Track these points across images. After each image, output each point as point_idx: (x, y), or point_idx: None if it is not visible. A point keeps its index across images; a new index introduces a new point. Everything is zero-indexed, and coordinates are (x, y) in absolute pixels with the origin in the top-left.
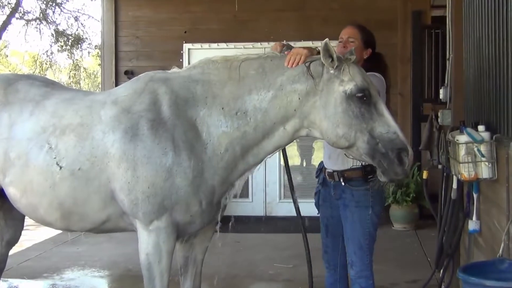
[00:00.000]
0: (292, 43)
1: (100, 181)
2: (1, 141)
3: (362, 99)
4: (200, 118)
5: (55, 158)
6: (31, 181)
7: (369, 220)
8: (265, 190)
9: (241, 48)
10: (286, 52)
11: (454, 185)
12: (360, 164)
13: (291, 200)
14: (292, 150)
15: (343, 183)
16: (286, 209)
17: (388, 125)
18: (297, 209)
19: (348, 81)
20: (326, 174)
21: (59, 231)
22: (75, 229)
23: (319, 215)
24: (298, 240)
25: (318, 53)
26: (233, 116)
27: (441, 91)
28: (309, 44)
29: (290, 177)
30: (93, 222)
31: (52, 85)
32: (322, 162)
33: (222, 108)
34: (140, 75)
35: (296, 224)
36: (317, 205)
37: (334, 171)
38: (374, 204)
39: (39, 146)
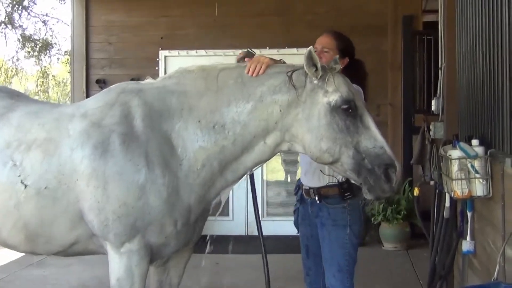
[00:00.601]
0: (275, 50)
1: (68, 200)
2: None
3: (347, 111)
4: (175, 132)
5: (19, 175)
6: None
7: (347, 240)
8: (247, 208)
9: (221, 55)
10: (246, 59)
11: (447, 203)
12: (336, 180)
13: (275, 218)
14: (276, 164)
15: (318, 201)
16: (269, 228)
17: (374, 139)
18: (259, 227)
19: (333, 92)
20: (304, 191)
21: None
22: (41, 252)
23: (298, 234)
24: (282, 260)
25: (284, 63)
26: (211, 130)
27: (433, 102)
28: (293, 51)
29: (254, 191)
30: (61, 245)
31: (17, 97)
32: (300, 178)
33: (199, 121)
34: (112, 86)
35: (282, 243)
36: (296, 223)
37: (310, 188)
38: (352, 222)
39: (2, 162)
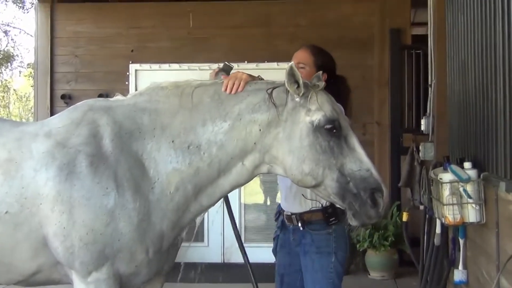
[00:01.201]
0: (254, 64)
1: (31, 226)
2: None
3: (331, 131)
4: (147, 153)
5: None
6: None
7: (332, 268)
8: (223, 233)
9: (196, 69)
10: (222, 76)
11: (438, 229)
12: (320, 205)
13: (253, 245)
14: (255, 187)
15: (301, 227)
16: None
17: (360, 161)
18: (245, 257)
19: (316, 110)
20: (285, 217)
21: None
22: (0, 282)
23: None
24: None
25: (262, 79)
26: (185, 151)
27: (422, 121)
28: (274, 65)
29: (232, 215)
30: (22, 274)
31: None
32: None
33: (172, 141)
34: (78, 103)
35: (260, 272)
36: (275, 251)
37: (292, 213)
38: (338, 249)
39: None
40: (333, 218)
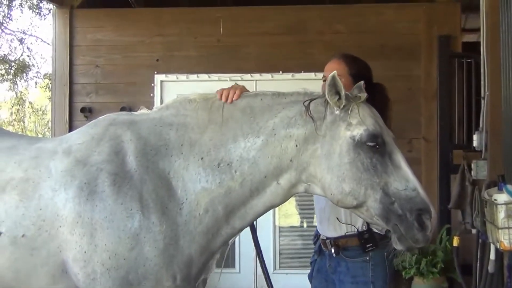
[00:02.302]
0: (290, 75)
1: (49, 250)
2: None
3: (374, 147)
4: (174, 171)
5: None
6: None
7: None
8: (255, 258)
9: (227, 80)
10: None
11: (492, 255)
12: (356, 229)
13: (288, 271)
14: (290, 208)
15: (334, 254)
16: (282, 282)
17: (406, 179)
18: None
19: (357, 124)
20: (321, 242)
21: None
22: None
23: None
24: None
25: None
26: (215, 169)
27: (474, 136)
28: (311, 76)
29: (257, 242)
30: None
31: None
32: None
33: (201, 159)
34: (99, 118)
35: None
36: (310, 277)
37: (327, 238)
38: (376, 279)
39: None
40: (370, 244)
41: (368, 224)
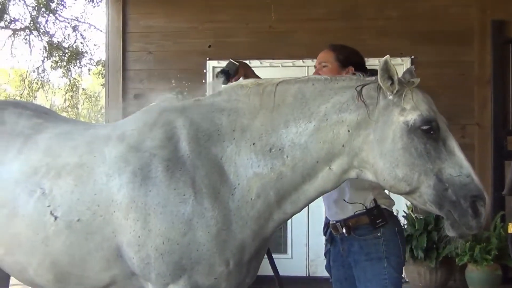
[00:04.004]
0: None
1: (104, 235)
2: None
3: (428, 133)
4: (226, 156)
5: (48, 206)
6: (18, 234)
7: (385, 275)
8: (308, 244)
9: (278, 66)
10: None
11: None
12: (364, 208)
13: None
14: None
15: (346, 234)
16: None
17: (460, 166)
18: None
19: (411, 109)
20: (331, 228)
21: None
22: None
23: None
24: None
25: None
26: (266, 154)
27: None
28: None
29: (272, 262)
30: (95, 286)
31: (45, 115)
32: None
33: (253, 144)
34: (152, 104)
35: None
36: (328, 268)
37: (337, 221)
38: (390, 254)
39: (28, 191)
40: (380, 220)
41: (375, 200)
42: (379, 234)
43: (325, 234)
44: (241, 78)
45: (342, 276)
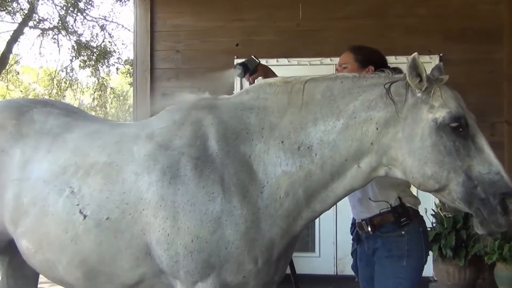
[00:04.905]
0: None
1: (133, 233)
2: (12, 183)
3: (457, 130)
4: (255, 155)
5: (77, 204)
6: (48, 233)
7: (403, 274)
8: (336, 242)
9: (306, 64)
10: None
11: None
12: (388, 206)
13: None
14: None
15: (371, 232)
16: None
17: (489, 163)
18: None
19: (440, 107)
20: (357, 227)
21: None
22: None
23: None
24: None
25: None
26: (295, 152)
27: None
28: (392, 59)
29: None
30: (124, 284)
31: (74, 114)
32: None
33: (282, 142)
34: (181, 102)
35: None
36: (355, 267)
37: (362, 220)
38: (411, 253)
39: (58, 190)
40: (404, 218)
41: (400, 199)
42: (403, 232)
43: (352, 234)
44: (259, 78)
45: (367, 275)
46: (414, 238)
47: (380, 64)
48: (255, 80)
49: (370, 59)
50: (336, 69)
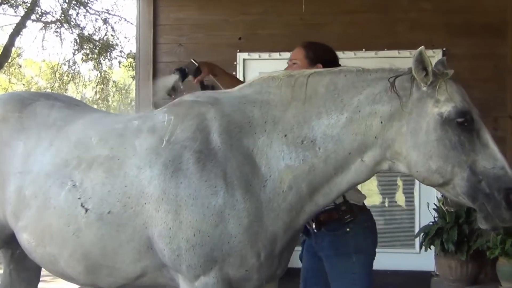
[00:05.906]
0: (373, 52)
1: (135, 226)
2: (14, 176)
3: (462, 125)
4: (258, 148)
5: (79, 198)
6: (49, 226)
7: (356, 269)
8: None
9: None
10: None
11: None
12: (333, 203)
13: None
14: (371, 187)
15: (316, 230)
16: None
17: (494, 158)
18: None
19: (445, 101)
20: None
21: None
22: (103, 285)
23: None
24: None
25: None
26: (298, 146)
27: None
28: (395, 53)
29: None
30: (126, 277)
31: (76, 107)
32: None
33: (285, 136)
34: (183, 96)
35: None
36: (301, 257)
37: None
38: (359, 249)
39: (60, 183)
40: (348, 216)
41: (344, 196)
42: (347, 229)
43: None
44: (210, 76)
45: (310, 266)
46: (360, 234)
47: (330, 63)
48: (204, 80)
49: (321, 57)
50: (287, 64)
